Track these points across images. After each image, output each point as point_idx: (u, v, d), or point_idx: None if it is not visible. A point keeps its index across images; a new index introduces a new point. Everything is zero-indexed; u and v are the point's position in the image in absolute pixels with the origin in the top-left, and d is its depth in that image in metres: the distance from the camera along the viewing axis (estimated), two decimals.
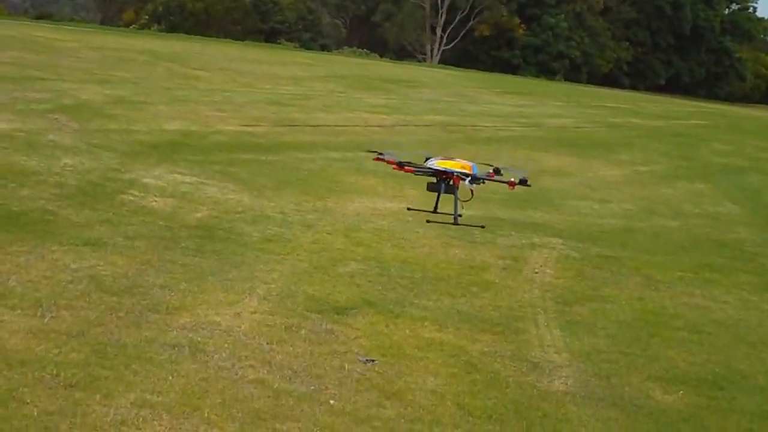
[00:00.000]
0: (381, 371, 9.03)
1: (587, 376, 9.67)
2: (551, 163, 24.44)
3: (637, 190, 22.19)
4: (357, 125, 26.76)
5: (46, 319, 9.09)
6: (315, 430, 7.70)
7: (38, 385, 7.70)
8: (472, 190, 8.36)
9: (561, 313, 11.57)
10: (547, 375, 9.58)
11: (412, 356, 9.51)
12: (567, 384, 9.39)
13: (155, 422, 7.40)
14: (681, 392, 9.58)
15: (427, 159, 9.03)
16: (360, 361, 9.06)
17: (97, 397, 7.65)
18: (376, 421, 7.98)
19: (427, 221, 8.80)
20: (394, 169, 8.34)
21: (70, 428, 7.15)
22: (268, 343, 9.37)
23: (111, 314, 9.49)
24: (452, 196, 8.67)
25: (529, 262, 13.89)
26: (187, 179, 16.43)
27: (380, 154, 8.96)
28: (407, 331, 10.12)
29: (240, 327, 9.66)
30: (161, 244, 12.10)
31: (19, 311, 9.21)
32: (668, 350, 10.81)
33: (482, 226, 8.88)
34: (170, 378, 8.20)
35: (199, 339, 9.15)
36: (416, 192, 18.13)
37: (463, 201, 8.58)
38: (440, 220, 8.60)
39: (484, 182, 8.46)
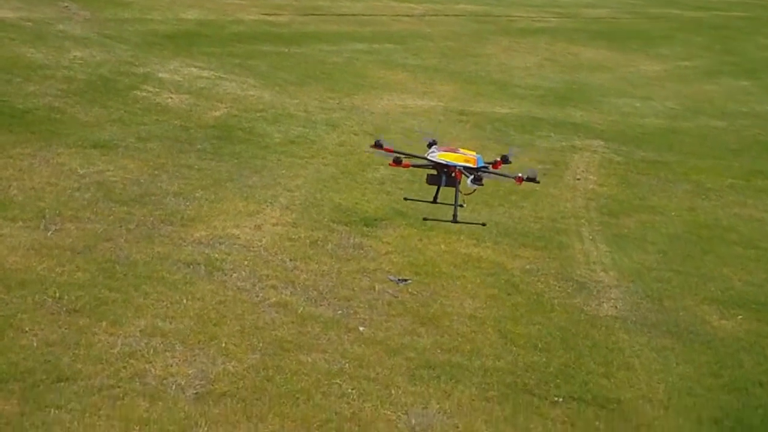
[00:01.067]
0: (414, 292, 8.24)
1: (638, 298, 8.84)
2: (589, 56, 23.25)
3: (680, 87, 21.06)
4: (384, 14, 25.55)
5: (50, 233, 8.30)
6: (343, 362, 6.93)
7: (39, 310, 6.94)
8: (473, 183, 7.53)
9: (607, 226, 10.69)
10: (595, 297, 8.75)
11: (448, 275, 8.71)
12: (617, 307, 8.57)
13: (167, 353, 6.65)
14: (740, 317, 8.75)
15: (430, 145, 8.17)
16: (391, 280, 8.21)
17: (103, 324, 6.88)
18: (410, 351, 7.21)
19: (424, 219, 7.91)
20: (390, 165, 7.61)
21: (72, 361, 6.39)
22: (291, 260, 8.56)
23: (120, 227, 8.69)
24: (453, 189, 7.80)
25: (570, 167, 12.98)
26: (205, 73, 15.46)
27: (377, 142, 8.12)
28: (442, 246, 9.27)
29: (261, 241, 8.84)
30: (176, 147, 11.23)
31: (20, 223, 8.41)
32: (723, 268, 9.94)
33: (483, 224, 7.99)
34: (184, 301, 7.42)
35: (216, 255, 8.35)
36: (449, 87, 17.21)
37: (465, 194, 7.65)
38: (439, 218, 7.73)
39: (481, 182, 7.59)
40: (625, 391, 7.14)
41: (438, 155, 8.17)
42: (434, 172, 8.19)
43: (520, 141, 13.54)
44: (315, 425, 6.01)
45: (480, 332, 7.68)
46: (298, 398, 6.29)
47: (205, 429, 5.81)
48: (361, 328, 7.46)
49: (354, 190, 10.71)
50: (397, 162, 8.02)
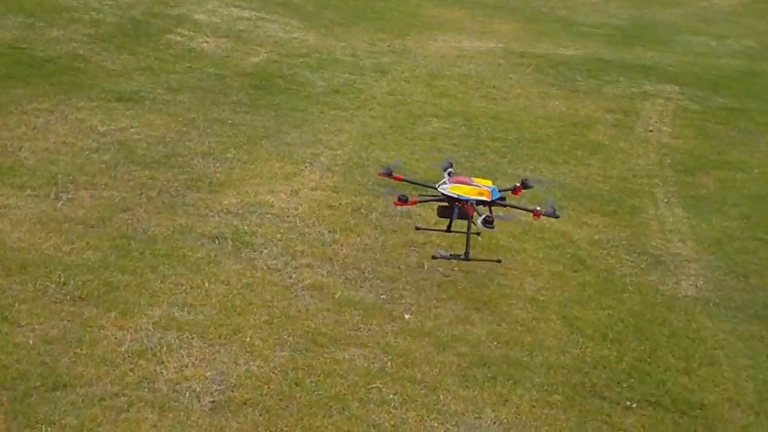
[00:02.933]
0: (468, 270, 7.26)
1: (720, 274, 7.81)
2: None
3: (758, 23, 19.61)
4: None
5: (61, 203, 7.43)
6: (384, 359, 6.01)
7: (39, 299, 6.08)
8: (483, 224, 6.70)
9: (683, 185, 9.61)
10: (672, 273, 7.74)
11: (507, 248, 7.73)
12: (697, 286, 7.56)
13: (182, 352, 5.75)
14: None
15: (447, 169, 7.28)
16: (442, 256, 7.21)
17: (112, 315, 6.00)
18: (462, 344, 6.27)
19: (433, 257, 6.91)
20: (395, 204, 6.75)
21: (72, 362, 5.52)
22: (330, 232, 7.63)
23: (140, 194, 7.80)
24: (467, 223, 6.97)
25: (641, 117, 11.84)
26: (245, 14, 14.46)
27: (387, 170, 7.27)
28: (501, 212, 8.19)
29: (296, 210, 7.90)
30: (209, 98, 10.29)
31: (28, 192, 7.56)
32: None
33: (498, 261, 6.95)
34: (206, 285, 6.52)
35: (245, 228, 7.43)
36: (509, 26, 16.07)
37: (474, 234, 6.80)
38: (448, 255, 6.75)
39: (492, 225, 6.77)
40: (708, 392, 6.14)
41: (449, 188, 7.29)
42: (446, 204, 7.37)
43: (585, 87, 12.42)
44: None
45: (542, 319, 6.69)
46: (330, 407, 5.37)
47: None
48: (406, 316, 6.52)
49: (403, 147, 9.71)
50: (403, 200, 7.18)
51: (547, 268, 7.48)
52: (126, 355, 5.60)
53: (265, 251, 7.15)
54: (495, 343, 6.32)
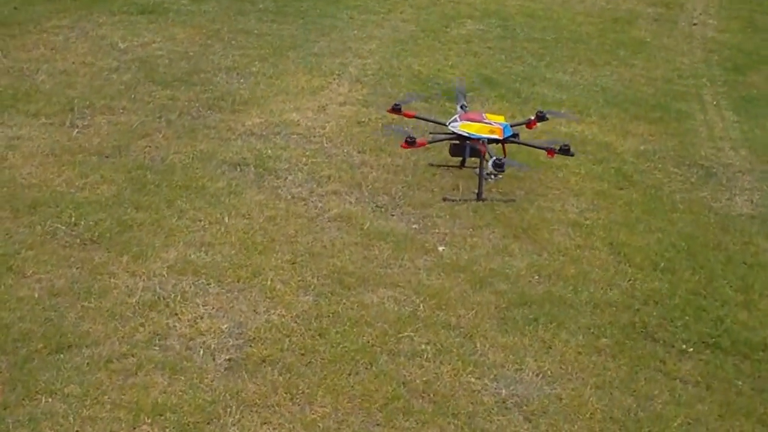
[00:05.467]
0: (505, 191, 6.83)
1: None
2: None
3: None
4: None
5: (76, 131, 7.05)
6: (417, 301, 5.59)
7: (48, 244, 5.72)
8: (493, 174, 6.14)
9: (732, 86, 9.00)
10: (725, 188, 7.25)
11: (547, 164, 7.29)
12: (752, 202, 7.06)
13: (198, 300, 5.37)
14: None
15: (460, 102, 6.70)
16: (453, 199, 6.72)
17: (124, 259, 5.62)
18: (501, 280, 5.87)
19: (444, 199, 6.30)
20: (402, 147, 6.19)
21: (79, 318, 5.16)
22: (359, 152, 7.18)
23: (159, 117, 7.38)
24: (480, 162, 6.42)
25: (685, 9, 11.15)
26: None
27: (395, 106, 6.71)
28: (539, 123, 7.66)
29: (324, 128, 7.45)
30: (234, 7, 9.80)
31: (42, 120, 7.17)
32: None
33: (513, 200, 6.34)
34: (226, 220, 6.12)
35: (269, 151, 7.01)
36: None
37: (490, 175, 6.23)
38: (459, 198, 6.15)
39: (502, 168, 6.22)
40: None
41: (460, 125, 6.77)
42: (457, 142, 6.88)
43: None
44: (377, 405, 4.69)
45: (587, 247, 6.22)
46: (357, 362, 4.96)
47: (236, 418, 4.52)
48: (440, 248, 6.07)
49: (436, 52, 9.15)
50: (410, 143, 6.68)
51: (591, 186, 6.98)
52: (137, 307, 5.22)
53: (289, 178, 6.72)
54: (536, 277, 5.86)
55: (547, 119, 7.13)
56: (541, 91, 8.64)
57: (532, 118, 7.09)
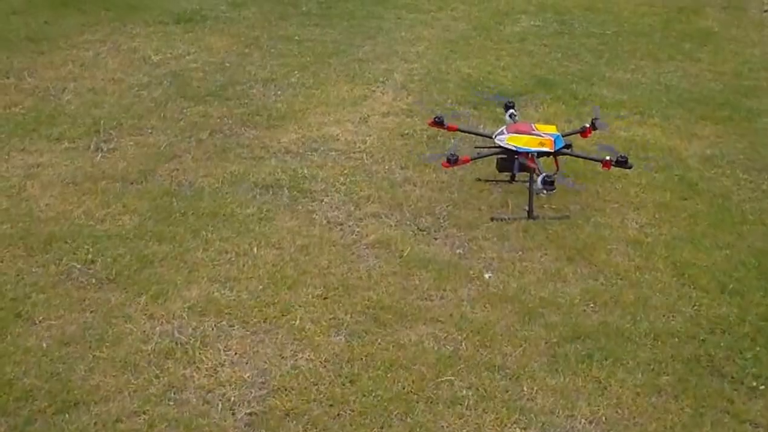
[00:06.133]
0: (559, 207, 6.30)
1: None
2: None
3: None
4: None
5: (100, 156, 6.67)
6: (459, 339, 5.09)
7: (61, 286, 5.32)
8: (544, 190, 5.57)
9: None
10: None
11: (605, 174, 6.63)
12: None
13: (219, 345, 4.92)
14: None
15: (507, 107, 6.16)
16: (502, 217, 6.19)
17: (142, 300, 5.20)
18: (552, 310, 5.33)
19: (492, 219, 5.71)
20: (443, 165, 5.68)
21: (89, 371, 4.72)
22: (402, 168, 6.69)
23: (190, 137, 6.97)
24: (530, 177, 5.84)
25: None
26: None
27: (437, 118, 6.18)
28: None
29: (365, 142, 6.97)
30: (276, 11, 9.35)
31: (65, 144, 6.80)
32: None
33: (567, 217, 5.72)
34: (254, 251, 5.68)
35: (305, 171, 6.55)
36: None
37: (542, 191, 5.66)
38: (508, 216, 5.58)
39: (553, 186, 5.64)
40: None
41: (507, 138, 6.22)
42: (505, 156, 6.35)
43: None
44: None
45: (647, 268, 5.65)
46: (391, 413, 4.48)
47: None
48: (486, 275, 5.55)
49: (488, 53, 8.62)
50: (452, 161, 6.14)
51: (652, 198, 6.40)
52: (152, 356, 4.79)
53: (325, 200, 6.25)
54: (591, 306, 5.32)
55: (607, 127, 6.58)
56: (599, 91, 8.07)
57: (587, 125, 6.54)
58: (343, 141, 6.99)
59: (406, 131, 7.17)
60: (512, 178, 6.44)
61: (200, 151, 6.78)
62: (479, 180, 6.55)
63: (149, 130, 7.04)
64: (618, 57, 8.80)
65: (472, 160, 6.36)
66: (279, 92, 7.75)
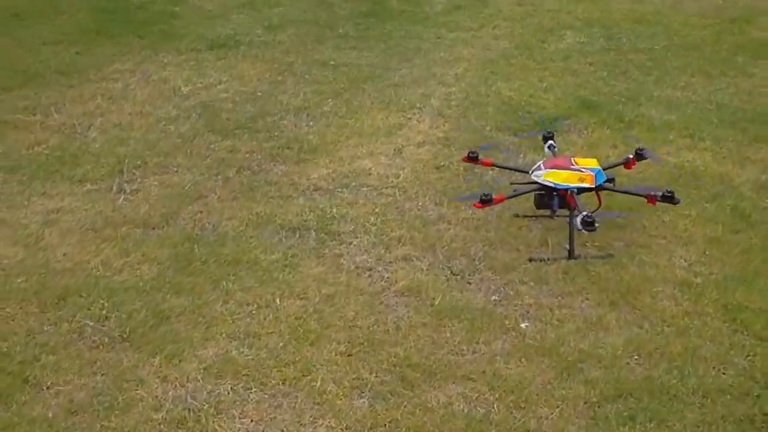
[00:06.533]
0: (602, 245, 5.90)
1: None
2: None
3: None
4: None
5: (122, 199, 6.41)
6: (490, 399, 4.75)
7: (72, 346, 5.06)
8: (583, 227, 5.16)
9: None
10: None
11: (652, 208, 6.18)
12: None
13: (234, 411, 4.64)
14: None
15: (546, 139, 5.76)
16: (541, 259, 5.83)
17: (156, 360, 4.92)
18: (593, 364, 5.00)
19: (530, 260, 5.29)
20: (475, 206, 5.30)
21: None
22: (436, 205, 6.36)
23: (216, 175, 6.71)
24: (570, 215, 5.42)
25: None
26: None
27: (471, 153, 5.78)
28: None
29: (398, 176, 6.66)
30: (312, 34, 9.06)
31: (87, 187, 6.57)
32: None
33: (611, 255, 5.26)
34: (277, 302, 5.40)
35: (334, 210, 6.25)
36: None
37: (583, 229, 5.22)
38: (547, 257, 5.16)
39: (593, 227, 5.20)
40: None
41: (544, 174, 5.82)
42: (542, 192, 5.96)
43: None
44: None
45: (696, 314, 5.25)
46: None
47: None
48: (523, 325, 5.20)
49: (530, 73, 8.24)
50: (486, 201, 5.76)
51: (702, 232, 5.99)
52: (163, 426, 4.51)
53: (354, 242, 5.94)
54: (635, 358, 4.93)
55: (647, 158, 6.18)
56: (647, 112, 7.66)
57: (631, 156, 6.14)
58: (375, 175, 6.67)
59: (442, 163, 6.84)
60: (553, 213, 6.07)
61: (226, 191, 6.50)
62: (517, 216, 6.19)
63: (174, 169, 6.79)
64: (667, 74, 8.37)
65: (507, 198, 5.99)
66: (311, 122, 7.45)
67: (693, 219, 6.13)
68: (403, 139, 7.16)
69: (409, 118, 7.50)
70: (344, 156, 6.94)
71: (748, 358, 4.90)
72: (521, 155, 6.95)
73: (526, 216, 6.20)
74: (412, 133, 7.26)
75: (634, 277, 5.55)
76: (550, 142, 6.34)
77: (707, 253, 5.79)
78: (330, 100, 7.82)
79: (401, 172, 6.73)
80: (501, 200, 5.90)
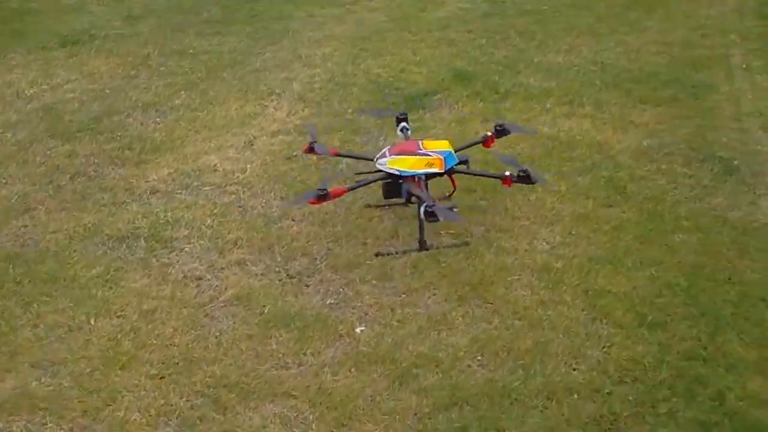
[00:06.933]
0: (459, 232, 5.41)
1: None
2: None
3: None
4: None
5: None
6: (311, 418, 4.24)
7: None
8: (426, 217, 4.62)
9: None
10: (748, 187, 5.93)
11: (517, 185, 5.66)
12: None
13: None
14: None
15: (399, 121, 5.21)
16: (389, 252, 5.32)
17: None
18: (430, 369, 4.51)
19: (377, 254, 4.76)
20: (310, 203, 4.74)
21: None
22: (282, 198, 5.79)
23: (49, 183, 6.30)
24: (419, 204, 4.88)
25: None
26: None
27: (310, 145, 5.20)
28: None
29: (245, 171, 6.17)
30: (174, 21, 8.62)
31: None
32: None
33: (466, 244, 4.72)
34: (92, 322, 4.94)
35: (168, 214, 5.74)
36: None
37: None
38: (396, 250, 4.64)
39: (436, 218, 4.64)
40: None
41: (388, 162, 5.30)
42: (390, 180, 5.45)
43: None
44: None
45: (553, 302, 4.79)
46: None
47: None
48: (358, 329, 4.73)
49: (404, 46, 7.72)
50: (322, 197, 5.21)
51: (571, 209, 5.52)
52: None
53: (186, 249, 5.41)
54: (478, 359, 4.45)
55: (509, 133, 5.67)
56: (525, 80, 7.18)
57: (489, 134, 5.63)
58: (220, 172, 6.14)
59: (295, 153, 6.29)
60: (407, 202, 5.55)
61: (56, 201, 5.95)
62: (369, 206, 5.67)
63: (4, 180, 6.21)
64: (551, 37, 7.88)
65: (350, 190, 5.46)
66: (158, 119, 6.91)
67: (562, 195, 5.67)
68: (257, 130, 6.63)
69: (266, 106, 6.98)
70: (190, 153, 6.40)
71: (604, 349, 4.43)
72: (382, 138, 6.42)
73: (378, 206, 5.68)
74: (267, 122, 6.73)
75: (489, 266, 5.07)
76: (403, 124, 5.81)
77: (573, 232, 5.33)
78: (183, 92, 7.28)
79: (248, 166, 6.20)
80: (340, 194, 5.37)
